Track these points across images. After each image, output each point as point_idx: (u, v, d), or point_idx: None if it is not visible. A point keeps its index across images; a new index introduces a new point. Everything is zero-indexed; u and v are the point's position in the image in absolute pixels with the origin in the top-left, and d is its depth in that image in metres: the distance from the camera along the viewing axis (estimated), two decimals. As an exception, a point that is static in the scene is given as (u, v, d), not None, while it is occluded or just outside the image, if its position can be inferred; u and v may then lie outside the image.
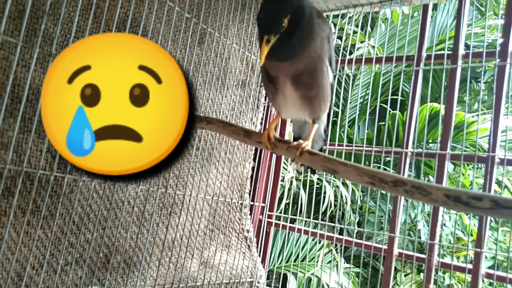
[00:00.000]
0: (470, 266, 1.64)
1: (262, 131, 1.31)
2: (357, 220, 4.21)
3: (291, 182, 3.64)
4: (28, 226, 1.33)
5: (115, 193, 1.56)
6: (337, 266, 3.60)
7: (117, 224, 1.58)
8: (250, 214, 2.18)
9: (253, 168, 2.20)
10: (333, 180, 3.80)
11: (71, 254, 1.45)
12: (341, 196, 3.84)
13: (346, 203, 3.79)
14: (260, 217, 2.26)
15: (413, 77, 1.89)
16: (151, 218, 1.66)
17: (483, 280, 1.63)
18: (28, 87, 1.27)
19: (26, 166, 1.29)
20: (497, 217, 0.97)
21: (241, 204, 2.09)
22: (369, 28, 4.55)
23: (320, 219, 2.12)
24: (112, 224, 1.57)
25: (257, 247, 2.16)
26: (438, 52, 1.94)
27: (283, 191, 3.37)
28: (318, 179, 3.84)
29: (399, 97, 2.03)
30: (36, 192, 1.34)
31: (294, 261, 3.44)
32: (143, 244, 1.65)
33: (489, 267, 3.59)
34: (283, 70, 1.08)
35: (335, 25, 3.93)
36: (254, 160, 2.20)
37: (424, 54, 1.89)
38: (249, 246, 2.10)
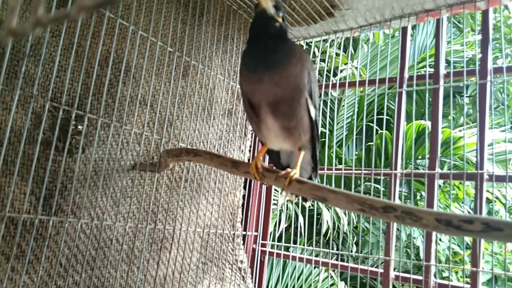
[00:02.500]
0: (467, 286, 1.62)
1: (250, 159, 1.31)
2: (355, 240, 4.17)
3: (287, 206, 3.61)
4: (12, 272, 1.28)
5: (103, 232, 1.52)
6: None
7: (106, 263, 1.53)
8: (243, 243, 2.14)
9: (244, 196, 2.18)
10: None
11: (59, 298, 1.40)
12: (337, 217, 3.81)
13: (341, 223, 3.76)
14: (254, 246, 2.22)
15: (396, 99, 1.91)
16: (141, 255, 1.62)
17: (481, 299, 1.61)
18: (10, 129, 1.25)
19: (9, 211, 1.26)
20: (490, 239, 0.97)
21: (234, 234, 2.06)
22: (352, 50, 4.63)
23: (315, 242, 2.09)
24: (101, 264, 1.52)
25: (251, 277, 2.12)
26: (419, 73, 1.97)
27: (279, 216, 3.33)
28: (311, 201, 3.82)
29: (385, 116, 2.05)
30: (21, 236, 1.30)
31: (293, 287, 3.37)
32: (134, 283, 1.61)
33: (488, 281, 3.56)
34: (262, 89, 1.10)
35: (318, 48, 3.99)
36: (244, 188, 2.18)
37: (406, 75, 1.91)
38: (243, 277, 2.05)
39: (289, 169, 1.23)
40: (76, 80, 1.45)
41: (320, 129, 1.52)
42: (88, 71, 1.48)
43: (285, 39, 1.17)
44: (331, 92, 2.22)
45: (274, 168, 1.45)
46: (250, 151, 2.18)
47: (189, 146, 1.80)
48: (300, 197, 1.50)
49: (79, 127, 1.46)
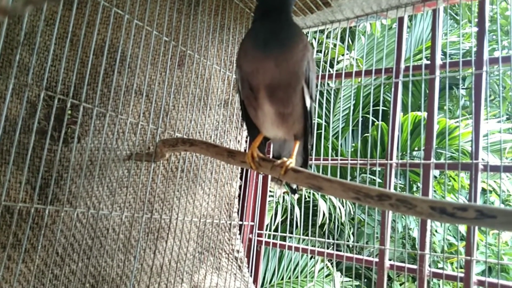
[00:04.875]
0: (461, 274, 1.63)
1: (247, 150, 1.31)
2: (351, 231, 4.20)
3: (284, 197, 3.62)
4: (9, 261, 1.29)
5: (99, 221, 1.52)
6: (332, 280, 3.57)
7: (102, 252, 1.54)
8: (240, 233, 2.15)
9: (240, 187, 2.18)
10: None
11: (56, 287, 1.40)
12: (334, 208, 3.83)
13: (336, 212, 3.78)
14: (250, 236, 2.23)
15: (393, 90, 1.91)
16: (137, 245, 1.62)
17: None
18: (5, 118, 1.25)
19: (5, 199, 1.26)
20: (483, 226, 0.97)
21: (230, 224, 2.07)
22: (349, 41, 4.62)
23: (310, 233, 2.10)
24: (97, 253, 1.53)
25: (248, 267, 2.13)
26: (416, 63, 1.97)
27: (275, 207, 3.34)
28: (308, 192, 3.83)
29: (381, 107, 2.05)
30: (17, 225, 1.30)
31: (289, 278, 3.39)
32: (130, 272, 1.61)
33: (482, 271, 3.60)
34: (265, 68, 1.09)
35: (315, 39, 3.97)
36: (241, 178, 2.18)
37: (402, 66, 1.91)
38: (240, 266, 2.07)
39: (285, 158, 1.23)
40: (71, 69, 1.44)
41: (316, 120, 1.52)
42: (83, 60, 1.47)
43: (291, 16, 1.16)
44: (327, 83, 2.22)
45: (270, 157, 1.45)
46: (246, 141, 2.18)
47: (185, 136, 1.80)
48: (289, 189, 1.51)
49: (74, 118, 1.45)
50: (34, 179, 1.34)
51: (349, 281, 3.84)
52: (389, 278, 4.09)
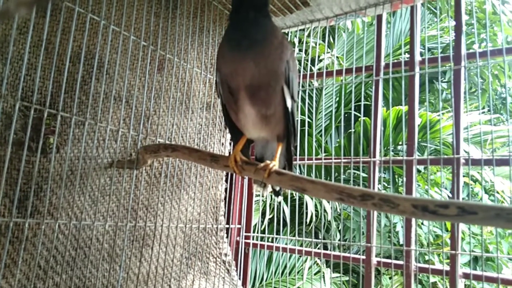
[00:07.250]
0: (447, 268, 1.65)
1: (231, 153, 1.30)
2: (338, 228, 4.22)
3: (271, 196, 3.62)
4: (-11, 277, 1.25)
5: (82, 232, 1.49)
6: (323, 277, 3.59)
7: (86, 263, 1.51)
8: (227, 237, 2.14)
9: (226, 189, 2.17)
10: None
11: (39, 301, 1.37)
12: (320, 204, 3.85)
13: (323, 209, 3.79)
14: (238, 238, 2.22)
15: (373, 87, 1.92)
16: (122, 253, 1.60)
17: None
18: (-21, 131, 1.21)
19: (-18, 214, 1.22)
20: (465, 222, 0.98)
21: (217, 227, 2.05)
22: (330, 39, 4.63)
23: (298, 231, 2.10)
24: (81, 264, 1.50)
25: (236, 270, 2.12)
26: (396, 60, 1.99)
27: (263, 207, 3.34)
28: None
29: (363, 103, 2.06)
30: (-4, 240, 1.27)
31: (279, 277, 3.40)
32: (116, 281, 1.59)
33: (468, 262, 3.65)
34: (244, 69, 1.07)
35: (296, 37, 3.97)
36: (226, 181, 2.17)
37: (382, 63, 1.93)
38: (228, 270, 2.05)
39: (268, 161, 1.22)
40: (47, 78, 1.41)
41: (299, 118, 1.51)
42: (59, 68, 1.44)
43: (266, 15, 1.14)
44: (310, 82, 2.22)
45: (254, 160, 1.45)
46: (230, 144, 2.17)
47: (167, 141, 1.78)
48: (272, 191, 1.50)
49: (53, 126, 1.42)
50: (12, 192, 1.30)
51: (338, 276, 3.87)
52: (378, 272, 4.12)
